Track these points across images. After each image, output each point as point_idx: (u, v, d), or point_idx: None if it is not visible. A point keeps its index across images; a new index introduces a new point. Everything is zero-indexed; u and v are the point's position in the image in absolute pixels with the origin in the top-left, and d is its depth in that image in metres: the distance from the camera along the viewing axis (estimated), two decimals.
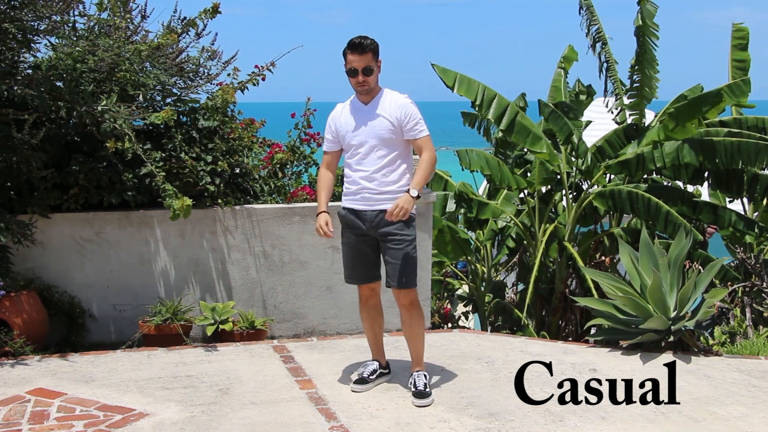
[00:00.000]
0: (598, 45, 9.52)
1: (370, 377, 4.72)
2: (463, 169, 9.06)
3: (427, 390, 4.52)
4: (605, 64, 9.51)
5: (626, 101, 9.18)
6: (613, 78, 9.56)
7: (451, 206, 8.82)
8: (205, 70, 6.28)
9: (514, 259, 10.05)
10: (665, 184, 9.14)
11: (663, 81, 8.86)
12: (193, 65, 6.24)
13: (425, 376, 4.61)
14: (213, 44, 6.31)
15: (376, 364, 4.81)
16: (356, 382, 4.67)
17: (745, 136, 8.40)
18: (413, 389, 4.53)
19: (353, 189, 4.50)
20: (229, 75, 6.34)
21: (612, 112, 9.70)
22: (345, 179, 4.58)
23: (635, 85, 8.94)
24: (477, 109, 8.92)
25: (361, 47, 4.32)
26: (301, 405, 4.41)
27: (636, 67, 8.89)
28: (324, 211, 4.53)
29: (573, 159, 9.21)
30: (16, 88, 5.29)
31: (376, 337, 4.85)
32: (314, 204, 6.19)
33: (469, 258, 9.48)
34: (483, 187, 11.37)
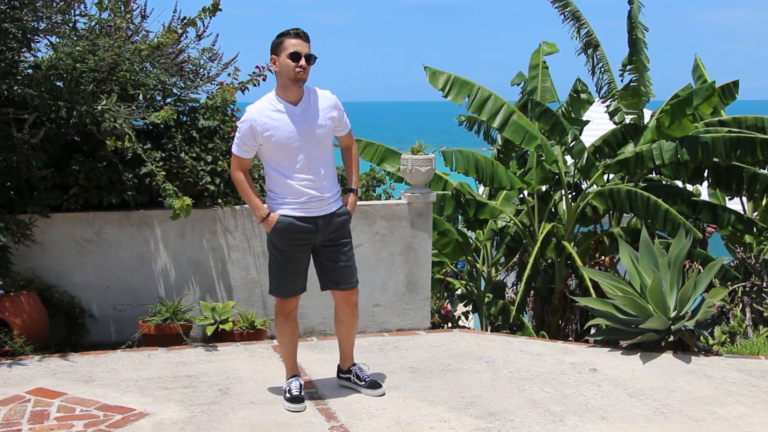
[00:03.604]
0: (590, 49, 9.53)
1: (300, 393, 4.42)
2: (452, 170, 9.05)
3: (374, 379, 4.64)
4: (599, 66, 9.52)
5: (624, 101, 9.18)
6: (609, 79, 9.57)
7: (448, 209, 8.79)
8: (206, 71, 6.28)
9: (514, 259, 10.04)
10: (664, 183, 9.14)
11: (662, 80, 8.89)
12: (193, 65, 6.24)
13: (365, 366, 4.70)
14: (214, 45, 6.32)
15: (299, 381, 4.50)
16: (289, 400, 4.36)
17: (744, 134, 8.41)
18: (365, 381, 4.59)
19: (302, 199, 4.24)
20: (229, 75, 6.35)
21: (609, 114, 9.70)
22: (277, 187, 4.28)
23: (632, 84, 8.95)
24: (470, 111, 8.94)
25: (306, 36, 4.21)
26: None
27: (629, 67, 8.90)
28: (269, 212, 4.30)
29: (567, 158, 9.22)
30: (16, 87, 5.29)
31: (295, 348, 4.58)
32: None
33: (469, 258, 9.48)
34: (484, 187, 11.33)
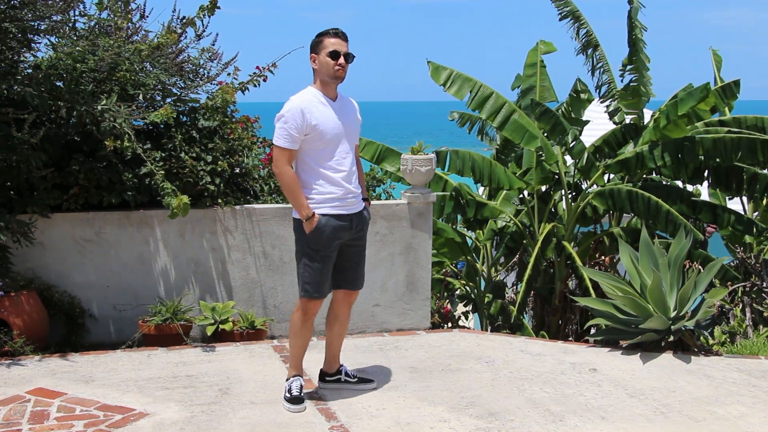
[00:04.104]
0: (590, 49, 9.52)
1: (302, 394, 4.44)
2: (445, 171, 9.02)
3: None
4: (599, 66, 9.51)
5: (623, 101, 9.18)
6: (609, 79, 9.57)
7: (447, 209, 8.79)
8: (205, 71, 6.28)
9: (514, 259, 10.04)
10: (664, 183, 9.14)
11: (663, 81, 8.88)
12: (193, 65, 6.24)
13: None
14: (213, 45, 6.32)
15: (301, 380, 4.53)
16: (290, 401, 4.37)
17: (745, 134, 8.41)
18: (355, 378, 4.69)
19: (339, 193, 4.29)
20: (229, 75, 6.35)
21: (609, 114, 9.69)
22: (315, 182, 4.28)
23: (632, 84, 8.95)
24: (470, 108, 8.93)
25: (345, 36, 4.31)
26: None
27: (629, 67, 8.90)
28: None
29: (567, 158, 9.21)
30: (15, 87, 5.29)
31: (306, 349, 4.60)
32: None
33: (468, 258, 9.48)
34: (482, 187, 11.30)
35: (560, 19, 9.51)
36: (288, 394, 4.39)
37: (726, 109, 9.56)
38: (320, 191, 4.29)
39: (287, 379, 4.49)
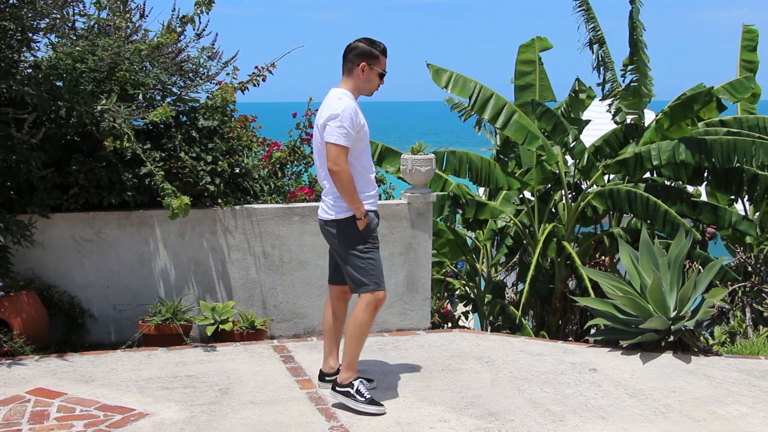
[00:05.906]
0: (595, 45, 9.47)
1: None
2: (441, 171, 9.00)
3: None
4: (603, 64, 9.47)
5: (624, 102, 9.17)
6: (612, 78, 9.54)
7: (447, 209, 8.79)
8: (205, 70, 6.27)
9: (514, 259, 10.04)
10: (666, 183, 9.13)
11: (665, 80, 8.87)
12: (193, 65, 6.23)
13: None
14: (213, 44, 6.31)
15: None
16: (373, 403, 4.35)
17: (744, 135, 8.39)
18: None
19: (373, 191, 4.45)
20: (228, 74, 6.34)
21: (610, 113, 9.67)
22: (357, 182, 4.33)
23: (633, 84, 8.94)
24: (472, 108, 8.93)
25: None
26: (301, 405, 4.42)
27: (630, 68, 8.89)
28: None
29: (567, 158, 9.20)
30: (15, 87, 5.29)
31: None
32: (314, 204, 6.18)
33: (468, 258, 9.48)
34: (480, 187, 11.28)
35: (576, 9, 9.40)
36: (361, 398, 4.28)
37: (738, 105, 9.52)
38: (362, 190, 4.37)
39: (345, 385, 4.33)
